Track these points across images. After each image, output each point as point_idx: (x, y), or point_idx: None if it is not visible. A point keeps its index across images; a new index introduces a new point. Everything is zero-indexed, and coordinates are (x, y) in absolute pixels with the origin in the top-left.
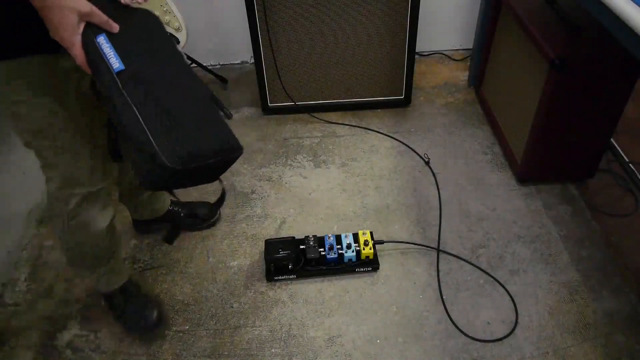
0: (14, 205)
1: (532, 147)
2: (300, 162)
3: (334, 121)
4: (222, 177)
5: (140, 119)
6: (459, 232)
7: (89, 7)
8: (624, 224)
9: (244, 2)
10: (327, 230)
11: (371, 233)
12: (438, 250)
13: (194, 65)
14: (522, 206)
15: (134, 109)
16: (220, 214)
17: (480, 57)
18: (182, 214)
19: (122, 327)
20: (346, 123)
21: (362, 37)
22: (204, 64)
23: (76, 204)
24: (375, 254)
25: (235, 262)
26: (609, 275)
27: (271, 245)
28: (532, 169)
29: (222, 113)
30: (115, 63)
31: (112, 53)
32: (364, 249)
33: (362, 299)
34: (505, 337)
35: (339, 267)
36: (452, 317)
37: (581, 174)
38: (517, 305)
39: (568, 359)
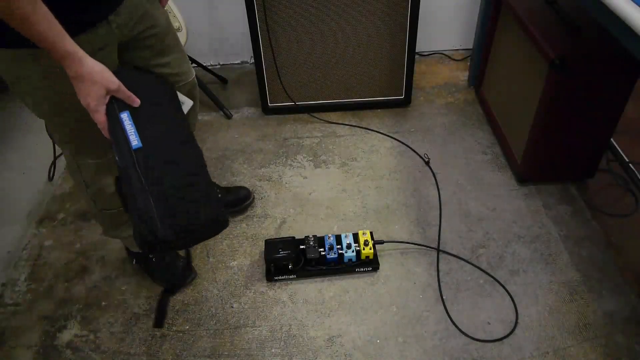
0: (14, 205)
1: (532, 147)
2: (300, 162)
3: (334, 121)
4: (223, 178)
5: (150, 199)
6: (459, 232)
7: (116, 85)
8: (624, 224)
9: (244, 2)
10: (327, 230)
11: (371, 233)
12: (438, 250)
13: (194, 65)
14: (522, 206)
15: (146, 187)
16: (254, 197)
17: (480, 57)
18: (219, 195)
19: (153, 281)
20: (346, 123)
21: (362, 37)
22: (204, 64)
23: (91, 173)
24: (375, 254)
25: (235, 262)
26: (609, 275)
27: (271, 245)
28: (532, 169)
29: (222, 112)
30: (134, 140)
31: (132, 130)
32: (363, 249)
33: (362, 299)
34: (505, 337)
35: (339, 267)
36: (452, 317)
37: (581, 174)
38: (517, 305)
39: (568, 359)
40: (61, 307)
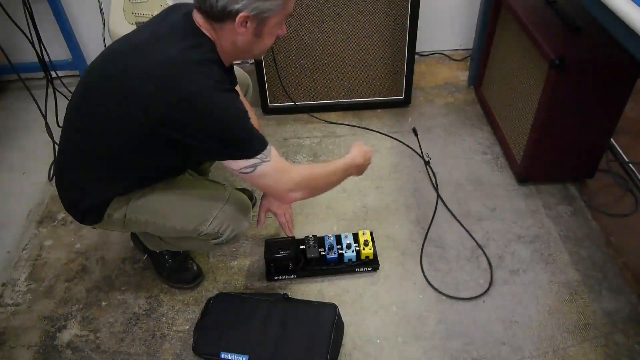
0: (14, 205)
1: (532, 147)
2: (300, 162)
3: (334, 121)
4: (223, 179)
5: None
6: (459, 232)
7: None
8: (624, 224)
9: None
10: (327, 231)
11: (371, 233)
12: (423, 245)
13: None
14: (522, 206)
15: None
16: (256, 199)
17: (480, 57)
18: None
19: (163, 280)
20: (346, 123)
21: (362, 37)
22: None
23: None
24: (375, 254)
25: (235, 262)
26: (609, 275)
27: (271, 245)
28: (532, 169)
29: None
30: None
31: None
32: (363, 249)
33: (362, 299)
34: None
35: (339, 267)
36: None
37: (581, 174)
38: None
39: (568, 359)
40: (61, 307)
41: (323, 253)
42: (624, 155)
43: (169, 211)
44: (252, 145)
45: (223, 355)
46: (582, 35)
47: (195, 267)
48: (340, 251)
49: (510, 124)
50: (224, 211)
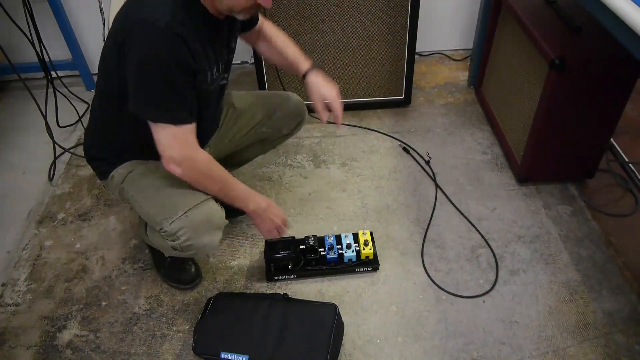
0: (14, 205)
1: (532, 147)
2: (300, 162)
3: (334, 121)
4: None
5: None
6: (459, 232)
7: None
8: (624, 224)
9: None
10: (327, 231)
11: (371, 233)
12: (423, 244)
13: None
14: (522, 206)
15: None
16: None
17: (480, 57)
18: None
19: (161, 277)
20: (346, 123)
21: (363, 36)
22: None
23: None
24: (375, 254)
25: (235, 262)
26: (609, 275)
27: (271, 245)
28: (532, 169)
29: None
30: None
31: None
32: (363, 249)
33: (362, 299)
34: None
35: (339, 267)
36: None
37: (581, 174)
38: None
39: (568, 359)
40: (61, 307)
41: (323, 253)
42: (624, 155)
43: (151, 195)
44: (166, 109)
45: (223, 355)
46: (582, 35)
47: (193, 270)
48: (340, 251)
49: (510, 124)
50: (187, 216)
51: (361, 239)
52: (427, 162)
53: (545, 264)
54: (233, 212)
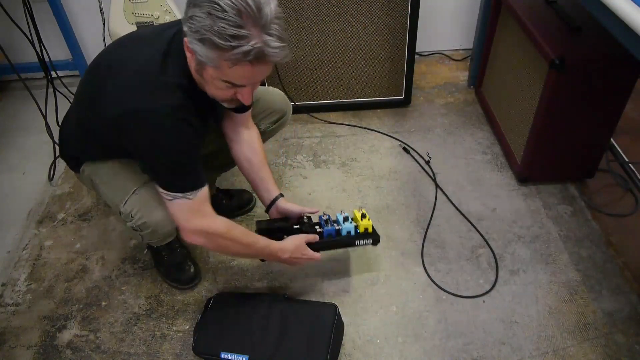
0: (14, 205)
1: (532, 147)
2: (300, 162)
3: (334, 121)
4: (223, 178)
5: None
6: (459, 232)
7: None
8: (624, 224)
9: None
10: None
11: (366, 211)
12: (423, 244)
13: None
14: (522, 206)
15: None
16: (255, 199)
17: (480, 57)
18: (223, 201)
19: (161, 276)
20: (346, 123)
21: (363, 36)
22: None
23: None
24: (373, 227)
25: (235, 262)
26: (609, 275)
27: (263, 223)
28: (532, 169)
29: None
30: None
31: None
32: (362, 220)
33: (362, 299)
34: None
35: (338, 239)
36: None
37: (581, 174)
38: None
39: (568, 359)
40: (61, 307)
41: (320, 230)
42: (624, 155)
43: (108, 180)
44: (179, 182)
45: (223, 355)
46: (582, 35)
47: (192, 270)
48: (337, 227)
49: (510, 124)
50: (137, 193)
51: (357, 215)
52: (427, 162)
53: (545, 264)
54: (232, 212)
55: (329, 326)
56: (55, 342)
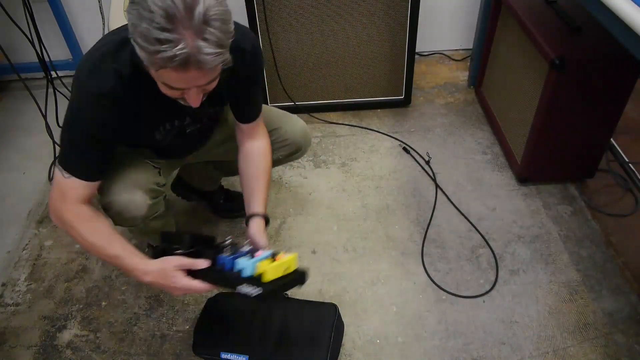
0: (14, 205)
1: (532, 147)
2: (300, 162)
3: (334, 121)
4: (223, 178)
5: None
6: (459, 232)
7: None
8: (624, 224)
9: (244, 2)
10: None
11: (295, 259)
12: (423, 245)
13: None
14: (522, 206)
15: None
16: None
17: (480, 57)
18: (221, 200)
19: None
20: (346, 123)
21: (363, 36)
22: None
23: None
24: (280, 285)
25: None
26: (609, 275)
27: (166, 235)
28: (532, 169)
29: None
30: None
31: None
32: (270, 264)
33: (362, 299)
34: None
35: (226, 275)
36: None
37: (581, 174)
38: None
39: (568, 359)
40: (61, 307)
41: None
42: (624, 155)
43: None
44: (66, 158)
45: (223, 356)
46: (582, 35)
47: None
48: (236, 259)
49: (510, 124)
50: (110, 173)
51: (281, 260)
52: (427, 162)
53: (545, 264)
54: (232, 212)
55: (329, 326)
56: (55, 342)
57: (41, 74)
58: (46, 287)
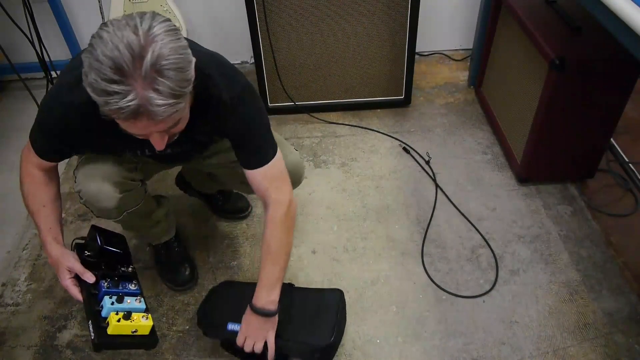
0: (14, 205)
1: (532, 147)
2: None
3: (334, 121)
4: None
5: None
6: (459, 232)
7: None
8: (624, 224)
9: (244, 2)
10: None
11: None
12: (423, 245)
13: None
14: (522, 206)
15: None
16: (252, 208)
17: (480, 57)
18: (220, 202)
19: (157, 273)
20: (346, 123)
21: (362, 37)
22: None
23: None
24: (123, 342)
25: (235, 262)
26: (609, 275)
27: (93, 231)
28: (532, 169)
29: None
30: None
31: None
32: (119, 321)
33: (362, 299)
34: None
35: (87, 308)
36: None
37: (581, 174)
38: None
39: (568, 359)
40: (61, 307)
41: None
42: (624, 155)
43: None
44: (33, 133)
45: (230, 327)
46: (582, 35)
47: (187, 272)
48: (110, 297)
49: (510, 124)
50: (83, 162)
51: (135, 319)
52: (427, 162)
53: (545, 264)
54: (231, 213)
55: (334, 305)
56: (55, 342)
57: (41, 74)
58: (46, 287)
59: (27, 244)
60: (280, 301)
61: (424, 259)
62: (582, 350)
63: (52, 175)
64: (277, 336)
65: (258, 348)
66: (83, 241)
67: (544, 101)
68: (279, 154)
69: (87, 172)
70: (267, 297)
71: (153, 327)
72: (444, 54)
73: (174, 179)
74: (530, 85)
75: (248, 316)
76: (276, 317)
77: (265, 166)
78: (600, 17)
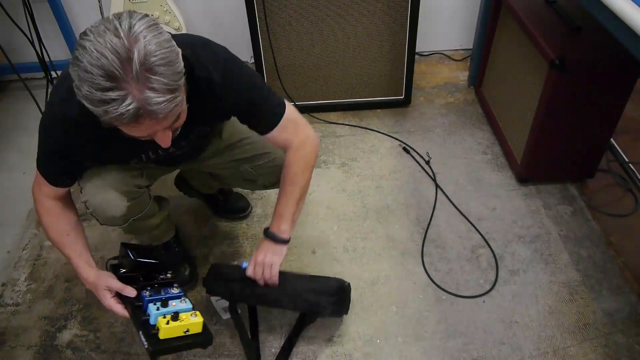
0: (14, 205)
1: (532, 147)
2: None
3: (334, 121)
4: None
5: None
6: (459, 232)
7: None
8: (624, 224)
9: (244, 2)
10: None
11: (205, 325)
12: (423, 245)
13: None
14: (522, 206)
15: None
16: (252, 208)
17: (480, 57)
18: (220, 202)
19: None
20: (346, 123)
21: (362, 36)
22: None
23: None
24: (166, 345)
25: (236, 262)
26: (609, 275)
27: (126, 248)
28: (532, 169)
29: None
30: None
31: None
32: (168, 323)
33: (362, 299)
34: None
35: (136, 316)
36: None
37: (581, 174)
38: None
39: (568, 359)
40: (61, 307)
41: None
42: (624, 155)
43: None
44: (39, 159)
45: (245, 264)
46: (582, 35)
47: (187, 272)
48: (156, 304)
49: (510, 124)
50: (89, 172)
51: (183, 319)
52: (427, 162)
53: (545, 264)
54: (232, 214)
55: (338, 280)
56: (55, 342)
57: (41, 74)
58: (46, 287)
59: (27, 244)
60: (282, 274)
61: (424, 259)
62: (582, 350)
63: (68, 202)
64: (299, 286)
65: (267, 274)
66: (117, 261)
67: (544, 101)
68: (285, 104)
69: (93, 183)
70: (280, 225)
71: (205, 324)
72: (444, 54)
73: (174, 180)
74: (530, 85)
75: (260, 244)
76: (285, 248)
77: (279, 124)
78: (600, 17)
